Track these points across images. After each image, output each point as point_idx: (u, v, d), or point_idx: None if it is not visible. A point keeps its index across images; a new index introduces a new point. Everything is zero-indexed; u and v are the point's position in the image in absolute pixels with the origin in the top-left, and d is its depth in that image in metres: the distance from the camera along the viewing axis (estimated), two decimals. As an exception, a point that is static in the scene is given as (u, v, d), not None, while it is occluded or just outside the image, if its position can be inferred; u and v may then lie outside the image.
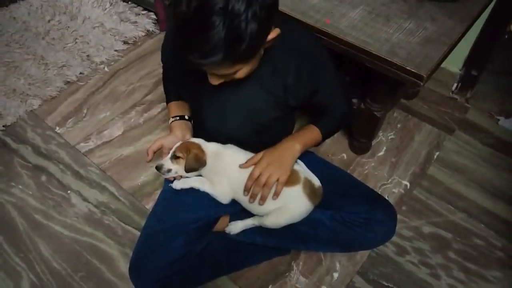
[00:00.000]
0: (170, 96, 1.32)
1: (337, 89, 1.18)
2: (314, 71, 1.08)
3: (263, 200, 1.12)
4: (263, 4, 0.82)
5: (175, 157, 1.13)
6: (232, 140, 1.18)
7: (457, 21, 1.33)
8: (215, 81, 0.97)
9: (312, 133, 1.20)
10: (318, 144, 1.22)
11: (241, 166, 1.14)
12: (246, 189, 1.13)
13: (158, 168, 1.14)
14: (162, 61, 1.31)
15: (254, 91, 1.09)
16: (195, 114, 1.26)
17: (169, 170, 1.14)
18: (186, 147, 1.13)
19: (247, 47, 0.84)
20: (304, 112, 1.65)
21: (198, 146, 1.14)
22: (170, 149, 1.16)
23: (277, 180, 1.10)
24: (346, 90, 1.28)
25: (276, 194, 1.12)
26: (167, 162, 1.14)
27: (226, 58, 0.84)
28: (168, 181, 1.21)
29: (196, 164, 1.13)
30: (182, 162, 1.13)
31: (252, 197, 1.13)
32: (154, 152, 1.19)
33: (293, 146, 1.14)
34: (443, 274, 1.42)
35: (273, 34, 0.92)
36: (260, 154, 1.14)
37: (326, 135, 1.23)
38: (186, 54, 0.85)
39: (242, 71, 0.94)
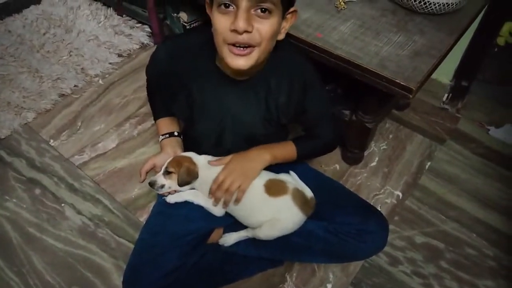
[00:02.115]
0: (157, 112, 1.32)
1: (324, 113, 1.20)
2: (304, 90, 1.10)
3: (225, 204, 1.15)
4: None
5: (167, 173, 1.14)
6: (224, 155, 1.20)
7: (446, 34, 1.35)
8: (242, 19, 0.89)
9: (287, 149, 1.21)
10: (293, 161, 1.24)
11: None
12: (211, 193, 1.15)
13: (152, 184, 1.15)
14: (148, 74, 1.29)
15: (248, 109, 1.11)
16: (187, 129, 1.27)
17: (163, 186, 1.15)
18: (177, 162, 1.14)
19: None
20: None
21: (189, 159, 1.16)
22: (162, 167, 1.17)
23: (239, 187, 1.12)
24: (336, 120, 1.30)
25: (237, 201, 1.14)
26: (160, 178, 1.15)
27: None
28: (162, 195, 1.22)
29: (188, 177, 1.14)
30: (174, 176, 1.14)
31: (216, 201, 1.15)
32: (147, 172, 1.20)
33: (262, 155, 1.16)
34: (435, 284, 1.43)
35: (288, 21, 1.00)
36: (229, 157, 1.16)
37: (302, 156, 1.24)
38: None
39: (267, 24, 0.92)
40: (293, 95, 1.10)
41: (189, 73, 1.11)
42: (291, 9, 0.99)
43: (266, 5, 0.90)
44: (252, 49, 0.95)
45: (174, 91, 1.16)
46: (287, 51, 1.11)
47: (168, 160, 1.16)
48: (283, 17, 0.97)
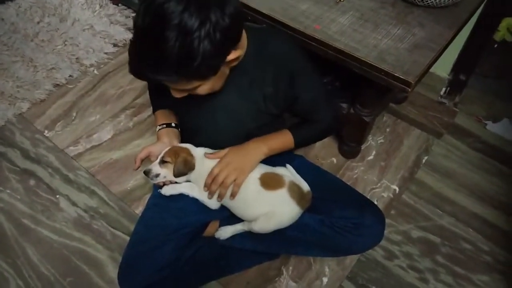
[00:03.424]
0: (156, 105, 1.31)
1: (319, 97, 1.18)
2: (292, 79, 1.09)
3: (220, 198, 1.14)
4: (218, 26, 0.83)
5: (163, 162, 1.13)
6: (218, 148, 1.18)
7: (445, 27, 1.34)
8: (176, 94, 0.98)
9: (284, 138, 1.20)
10: (291, 149, 1.22)
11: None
12: (206, 186, 1.14)
13: (146, 173, 1.14)
14: None
15: (236, 101, 1.10)
16: (183, 124, 1.26)
17: (158, 175, 1.14)
18: (174, 152, 1.13)
19: (200, 65, 0.85)
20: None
21: (187, 151, 1.14)
22: (158, 156, 1.16)
23: (235, 181, 1.11)
24: (331, 101, 1.28)
25: (233, 196, 1.13)
26: (155, 167, 1.14)
27: (179, 74, 0.86)
28: (157, 187, 1.20)
29: (185, 168, 1.13)
30: (170, 166, 1.12)
31: (210, 194, 1.14)
32: (142, 160, 1.19)
33: (258, 148, 1.15)
34: (431, 278, 1.43)
35: (234, 55, 0.93)
36: (225, 150, 1.15)
37: (300, 143, 1.23)
38: (140, 67, 0.86)
39: (203, 88, 0.95)
40: (280, 85, 1.08)
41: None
42: (229, 57, 0.92)
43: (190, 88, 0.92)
44: None
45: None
46: (270, 41, 1.08)
47: (165, 150, 1.14)
48: (225, 61, 0.93)
